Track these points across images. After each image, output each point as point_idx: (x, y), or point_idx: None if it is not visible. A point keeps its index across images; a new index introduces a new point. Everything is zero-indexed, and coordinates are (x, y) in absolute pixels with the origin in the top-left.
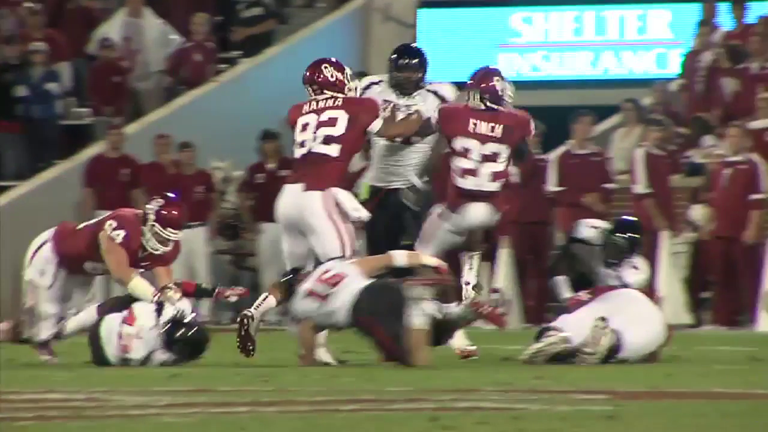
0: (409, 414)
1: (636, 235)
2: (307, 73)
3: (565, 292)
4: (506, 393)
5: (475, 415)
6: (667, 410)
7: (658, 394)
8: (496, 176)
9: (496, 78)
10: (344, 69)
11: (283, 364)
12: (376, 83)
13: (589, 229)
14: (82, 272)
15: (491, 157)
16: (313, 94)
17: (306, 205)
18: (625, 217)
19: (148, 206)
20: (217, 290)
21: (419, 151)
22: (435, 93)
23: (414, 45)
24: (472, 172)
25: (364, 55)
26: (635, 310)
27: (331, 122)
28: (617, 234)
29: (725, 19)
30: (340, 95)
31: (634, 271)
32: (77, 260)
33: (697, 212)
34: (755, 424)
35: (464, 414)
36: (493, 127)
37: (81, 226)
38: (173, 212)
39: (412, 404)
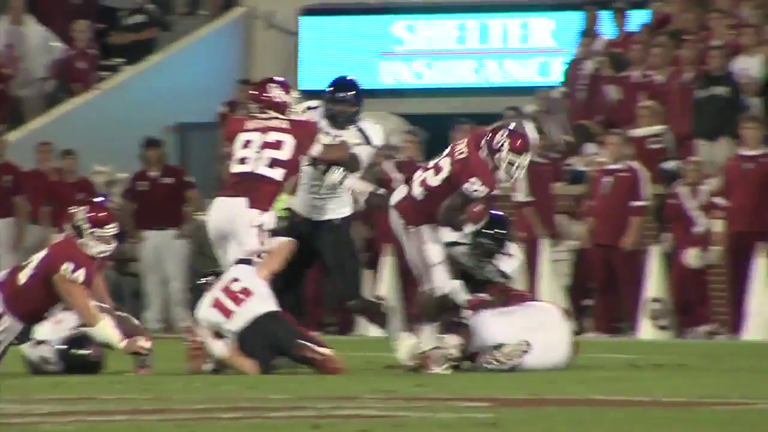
0: (290, 422)
1: (502, 231)
2: (253, 91)
3: (463, 296)
4: (387, 401)
5: (356, 423)
6: (548, 417)
7: (539, 401)
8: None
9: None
10: (290, 90)
11: (166, 372)
12: (312, 108)
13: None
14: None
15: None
16: (256, 112)
17: (245, 220)
18: (492, 211)
19: (76, 219)
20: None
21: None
22: (362, 132)
23: (350, 78)
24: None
25: (247, 62)
26: (550, 335)
27: (278, 145)
28: (484, 231)
29: (607, 28)
30: (283, 117)
31: (509, 258)
32: (37, 314)
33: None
34: (633, 430)
35: (345, 422)
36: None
37: (23, 280)
38: (102, 211)
39: (293, 412)
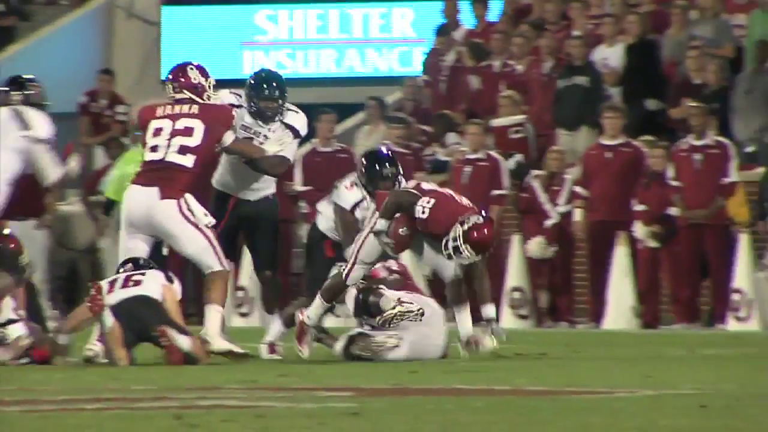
0: (154, 412)
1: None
2: (170, 74)
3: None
4: (251, 390)
5: (219, 413)
6: (411, 407)
7: (402, 390)
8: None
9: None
10: (209, 77)
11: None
12: (236, 106)
13: (321, 220)
14: None
15: None
16: (172, 92)
17: (162, 212)
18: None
19: None
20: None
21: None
22: (287, 125)
23: (274, 71)
24: None
25: (108, 52)
26: (428, 332)
27: (188, 132)
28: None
29: (467, 17)
30: (198, 101)
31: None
32: None
33: None
34: (497, 419)
35: (209, 412)
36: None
37: None
38: None
39: (156, 402)
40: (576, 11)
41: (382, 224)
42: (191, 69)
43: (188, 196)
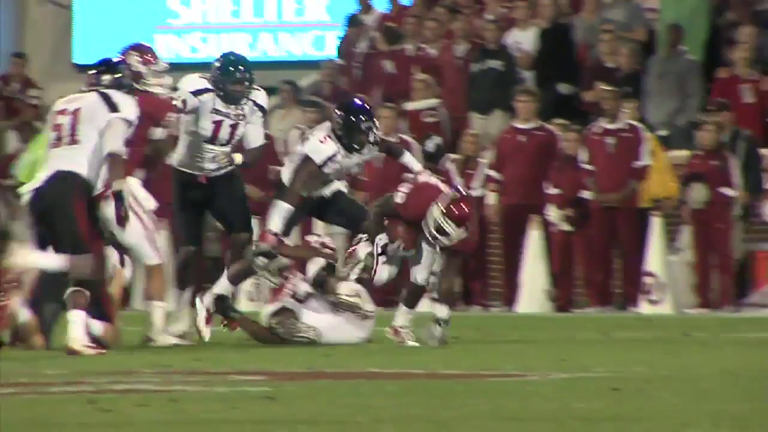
0: (67, 396)
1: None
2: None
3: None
4: (165, 375)
5: (133, 398)
6: (325, 390)
7: (315, 374)
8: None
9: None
10: (150, 62)
11: None
12: (208, 91)
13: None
14: None
15: None
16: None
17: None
18: None
19: None
20: None
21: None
22: (254, 102)
23: (239, 53)
24: None
25: (20, 36)
26: (353, 332)
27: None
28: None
29: (381, 1)
30: (138, 88)
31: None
32: None
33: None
34: (410, 401)
35: (122, 396)
36: None
37: None
38: None
39: (69, 387)
40: None
41: (383, 241)
42: (133, 54)
43: (131, 180)
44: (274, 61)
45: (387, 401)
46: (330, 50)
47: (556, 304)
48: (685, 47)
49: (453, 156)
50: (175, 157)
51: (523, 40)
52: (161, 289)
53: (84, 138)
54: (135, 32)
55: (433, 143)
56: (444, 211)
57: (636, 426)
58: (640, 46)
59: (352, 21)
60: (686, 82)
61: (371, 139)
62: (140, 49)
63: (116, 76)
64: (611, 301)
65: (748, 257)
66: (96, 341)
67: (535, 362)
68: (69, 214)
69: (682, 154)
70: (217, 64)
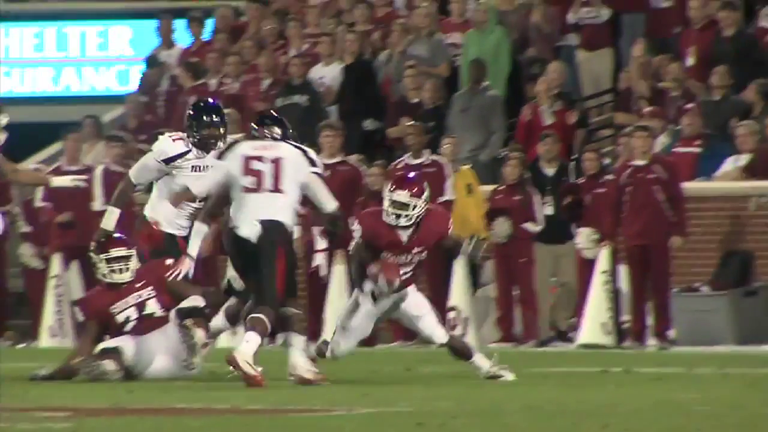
0: None
1: None
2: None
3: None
4: None
5: None
6: (128, 426)
7: (119, 410)
8: None
9: None
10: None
11: None
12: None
13: None
14: None
15: None
16: None
17: None
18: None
19: None
20: None
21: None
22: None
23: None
24: None
25: None
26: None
27: None
28: None
29: (183, 36)
30: None
31: None
32: None
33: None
34: None
35: None
36: None
37: None
38: None
39: None
40: (293, 30)
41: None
42: None
43: None
44: (78, 96)
45: None
46: (133, 85)
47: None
48: (487, 82)
49: None
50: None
51: (327, 75)
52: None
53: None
54: None
55: None
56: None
57: None
58: (444, 81)
59: (151, 61)
60: (489, 117)
61: (218, 134)
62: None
63: (286, 130)
64: (415, 335)
65: None
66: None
67: (340, 397)
68: (273, 264)
69: (486, 189)
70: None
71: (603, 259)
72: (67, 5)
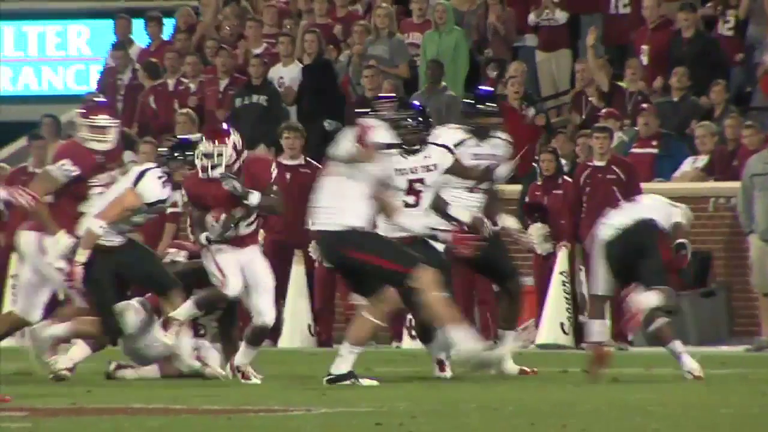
0: None
1: None
2: None
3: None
4: None
5: None
6: (87, 426)
7: (77, 410)
8: None
9: None
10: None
11: None
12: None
13: None
14: None
15: None
16: None
17: None
18: None
19: None
20: None
21: None
22: None
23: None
24: None
25: None
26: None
27: None
28: None
29: (141, 36)
30: None
31: None
32: None
33: None
34: None
35: None
36: None
37: None
38: None
39: None
40: (252, 30)
41: None
42: None
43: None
44: (36, 95)
45: None
46: (92, 84)
47: (318, 339)
48: (445, 83)
49: None
50: None
51: (286, 75)
52: None
53: None
54: None
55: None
56: None
57: None
58: (403, 81)
59: (117, 48)
60: (447, 117)
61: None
62: None
63: None
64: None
65: None
66: None
67: (298, 397)
68: None
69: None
70: None
71: (561, 259)
72: (26, 5)
